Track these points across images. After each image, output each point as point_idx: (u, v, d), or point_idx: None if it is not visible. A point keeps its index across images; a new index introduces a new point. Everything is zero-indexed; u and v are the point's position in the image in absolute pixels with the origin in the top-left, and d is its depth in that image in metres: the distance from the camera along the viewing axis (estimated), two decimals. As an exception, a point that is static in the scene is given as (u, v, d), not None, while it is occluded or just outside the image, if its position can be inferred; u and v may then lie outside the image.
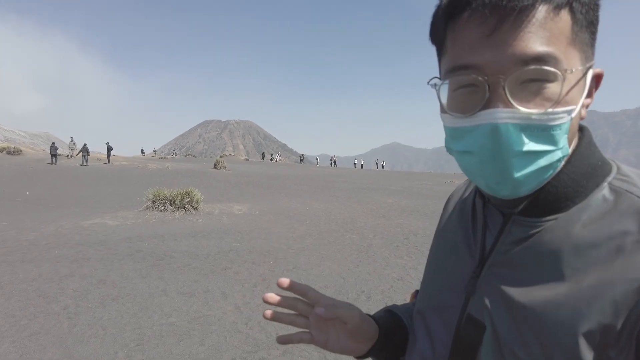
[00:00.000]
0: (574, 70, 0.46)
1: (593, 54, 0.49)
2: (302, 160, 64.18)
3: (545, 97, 0.45)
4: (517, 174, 0.47)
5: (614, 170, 0.52)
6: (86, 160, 26.80)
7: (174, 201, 9.89)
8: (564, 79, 0.45)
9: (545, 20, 0.44)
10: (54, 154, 25.27)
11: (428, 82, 0.52)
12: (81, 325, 3.64)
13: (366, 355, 0.69)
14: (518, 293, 0.50)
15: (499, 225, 0.56)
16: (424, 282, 0.70)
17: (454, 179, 28.21)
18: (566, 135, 0.47)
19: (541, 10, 0.44)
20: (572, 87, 0.46)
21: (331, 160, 57.31)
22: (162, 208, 9.80)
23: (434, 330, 0.62)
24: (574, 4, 0.45)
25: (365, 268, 5.62)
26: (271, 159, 60.35)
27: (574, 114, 0.47)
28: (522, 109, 0.45)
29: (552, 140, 0.47)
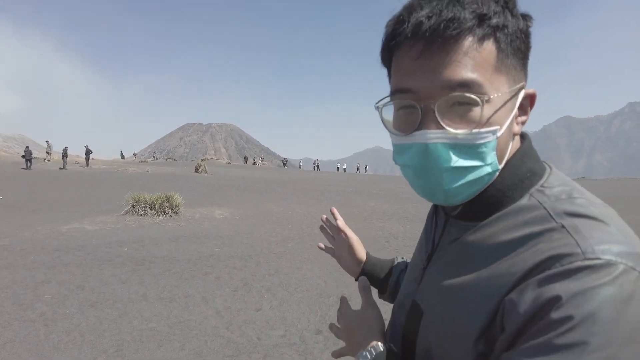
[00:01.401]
0: (497, 94, 0.51)
1: (525, 76, 0.56)
2: (284, 164, 64.05)
3: (469, 119, 0.51)
4: (447, 187, 0.54)
5: (541, 180, 0.56)
6: (65, 164, 26.19)
7: (154, 205, 9.77)
8: (483, 104, 0.50)
9: (470, 50, 0.50)
10: (28, 159, 24.36)
11: (375, 105, 0.59)
12: (58, 332, 3.59)
13: (360, 274, 0.96)
14: (444, 281, 0.58)
15: (443, 225, 0.66)
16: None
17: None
18: (494, 152, 0.53)
19: (466, 41, 0.50)
20: (498, 109, 0.52)
21: (314, 164, 57.39)
22: (142, 212, 9.67)
23: (397, 312, 0.72)
24: (499, 35, 0.51)
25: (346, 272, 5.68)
26: (254, 163, 60.05)
27: (499, 133, 0.52)
28: (450, 129, 0.51)
29: (479, 157, 0.53)
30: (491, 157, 0.53)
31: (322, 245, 1.10)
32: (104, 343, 3.40)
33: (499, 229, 0.54)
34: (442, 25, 0.49)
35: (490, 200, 0.57)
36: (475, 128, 0.51)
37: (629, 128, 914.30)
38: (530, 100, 0.57)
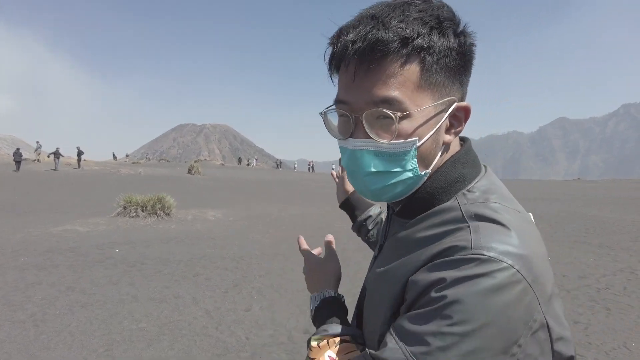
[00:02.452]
0: (418, 109, 0.58)
1: (459, 90, 0.63)
2: (278, 166, 63.96)
3: (389, 131, 0.59)
4: (372, 188, 0.63)
5: (469, 185, 0.63)
6: (57, 165, 25.98)
7: (146, 207, 9.77)
8: (397, 119, 0.57)
9: (394, 70, 0.57)
10: (18, 161, 24.17)
11: (320, 112, 0.68)
12: (48, 332, 3.61)
13: (344, 201, 1.23)
14: (378, 268, 0.67)
15: (389, 221, 0.76)
16: None
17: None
18: (414, 160, 0.61)
19: (390, 62, 0.57)
20: (419, 123, 0.59)
21: (309, 165, 57.40)
22: (134, 214, 9.67)
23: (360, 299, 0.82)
24: (423, 55, 0.57)
25: (336, 272, 5.74)
26: (248, 164, 59.94)
27: (419, 144, 0.60)
28: (373, 139, 0.59)
29: (399, 164, 0.60)
30: (411, 164, 0.61)
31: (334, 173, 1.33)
32: (93, 343, 3.43)
33: (423, 226, 0.62)
34: (367, 48, 0.56)
35: (421, 200, 0.65)
36: (394, 139, 0.59)
37: (624, 129, 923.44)
38: (465, 112, 0.63)
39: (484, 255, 0.51)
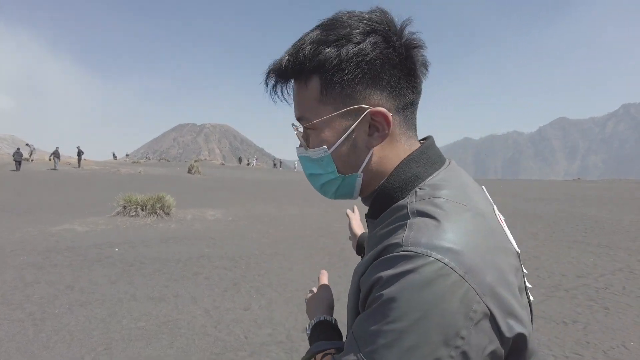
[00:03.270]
0: (321, 121, 0.65)
1: (375, 97, 0.65)
2: (275, 165, 63.98)
3: (307, 141, 0.70)
4: (315, 186, 0.74)
5: (422, 183, 0.65)
6: (56, 165, 26.03)
7: (146, 206, 9.77)
8: (308, 131, 0.68)
9: (302, 92, 0.67)
10: (18, 161, 24.29)
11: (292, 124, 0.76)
12: (47, 331, 3.62)
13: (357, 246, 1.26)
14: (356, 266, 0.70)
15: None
16: None
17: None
18: (332, 164, 0.68)
19: (299, 86, 0.67)
20: (327, 132, 0.66)
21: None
22: (134, 213, 9.67)
23: None
24: (321, 71, 0.64)
25: (336, 272, 5.75)
26: (248, 164, 59.94)
27: (331, 150, 0.67)
28: (300, 148, 0.72)
29: (321, 167, 0.70)
30: (330, 167, 0.69)
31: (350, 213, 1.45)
32: (92, 341, 3.44)
33: (380, 225, 0.65)
34: (282, 75, 0.68)
35: (379, 201, 0.68)
36: (310, 148, 0.69)
37: (623, 129, 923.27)
38: (383, 117, 0.64)
39: (411, 251, 0.53)
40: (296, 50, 0.65)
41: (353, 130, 0.65)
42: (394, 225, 0.60)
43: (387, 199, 0.67)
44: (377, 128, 0.65)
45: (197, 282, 5.09)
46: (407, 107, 0.68)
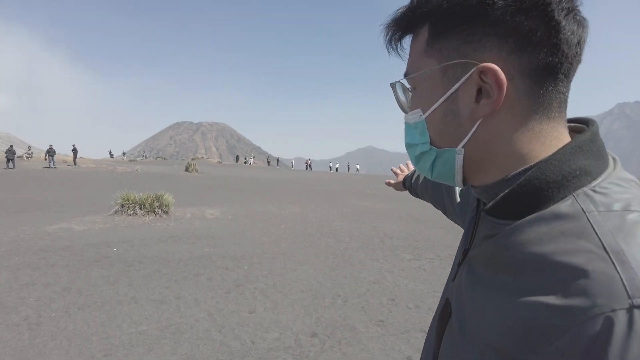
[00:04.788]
0: (420, 76, 0.54)
1: (479, 51, 0.49)
2: (269, 162, 63.88)
3: (409, 103, 0.59)
4: (411, 159, 0.61)
5: (594, 182, 0.47)
6: (52, 162, 25.79)
7: (144, 205, 9.58)
8: (408, 90, 0.58)
9: (411, 45, 0.57)
10: (10, 158, 24.03)
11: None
12: (43, 336, 3.44)
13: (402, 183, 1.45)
14: (472, 288, 0.53)
15: (477, 220, 0.60)
16: None
17: (426, 182, 28.61)
18: (425, 133, 0.55)
19: (414, 38, 0.56)
20: (425, 92, 0.54)
21: (306, 163, 57.34)
22: (132, 212, 9.48)
23: (436, 312, 0.68)
24: (432, 18, 0.52)
25: (341, 272, 5.60)
26: (245, 162, 59.74)
27: (426, 114, 0.54)
28: (406, 111, 0.60)
29: (417, 136, 0.57)
30: (425, 136, 0.56)
31: (391, 182, 1.55)
32: (91, 347, 3.26)
33: (532, 236, 0.45)
34: (396, 26, 0.57)
35: (524, 196, 0.48)
36: (408, 111, 0.59)
37: (618, 128, 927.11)
38: (494, 78, 0.48)
39: None
40: None
41: (455, 92, 0.51)
42: (567, 246, 0.42)
43: (534, 195, 0.48)
44: (488, 93, 0.49)
45: (199, 283, 4.92)
46: (546, 71, 0.48)
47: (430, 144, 0.55)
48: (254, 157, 68.68)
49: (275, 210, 11.45)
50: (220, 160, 70.80)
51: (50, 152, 26.20)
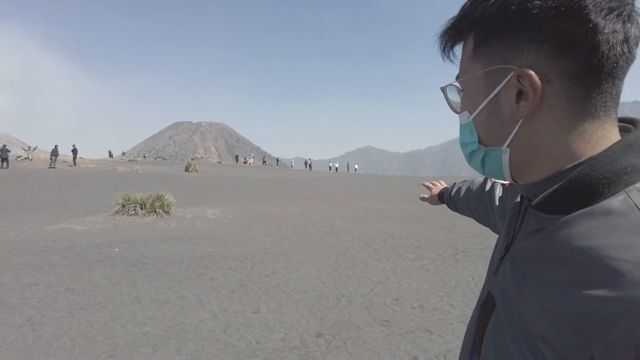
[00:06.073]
0: (468, 82, 0.58)
1: (518, 57, 0.52)
2: (264, 162, 64.03)
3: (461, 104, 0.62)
4: (465, 157, 0.63)
5: None
6: (54, 162, 25.80)
7: (145, 205, 9.56)
8: (459, 92, 0.61)
9: (462, 51, 0.60)
10: (4, 158, 23.99)
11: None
12: (47, 337, 3.42)
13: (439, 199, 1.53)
14: (518, 282, 0.53)
15: (522, 214, 0.61)
16: None
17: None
18: (474, 133, 0.59)
19: (464, 44, 0.59)
20: (471, 94, 0.59)
21: (306, 163, 57.39)
22: (133, 212, 9.46)
23: (475, 309, 0.68)
24: (477, 25, 0.55)
25: (344, 272, 5.58)
26: (245, 162, 59.72)
27: (473, 115, 0.58)
28: (458, 112, 0.63)
29: (468, 135, 0.61)
30: (474, 136, 0.60)
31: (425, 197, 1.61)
32: (96, 348, 3.24)
33: (582, 230, 0.46)
34: (447, 35, 0.61)
35: (574, 192, 0.49)
36: (459, 112, 0.62)
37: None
38: (529, 82, 0.50)
39: None
40: (461, 7, 0.58)
41: (497, 94, 0.55)
42: (622, 241, 0.42)
43: (584, 192, 0.48)
44: (525, 95, 0.52)
45: (202, 283, 4.90)
46: (586, 73, 0.49)
47: (479, 142, 0.59)
48: (253, 157, 68.66)
49: (276, 210, 11.43)
50: (220, 160, 70.74)
51: (55, 153, 26.23)
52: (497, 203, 1.05)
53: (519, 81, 0.51)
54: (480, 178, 1.25)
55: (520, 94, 0.52)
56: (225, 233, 8.04)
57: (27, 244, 6.63)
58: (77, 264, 5.54)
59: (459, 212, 1.39)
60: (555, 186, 0.51)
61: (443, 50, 0.62)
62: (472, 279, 5.31)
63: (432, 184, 1.62)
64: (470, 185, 1.29)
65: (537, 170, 0.54)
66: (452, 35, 0.60)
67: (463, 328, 3.71)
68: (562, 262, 0.47)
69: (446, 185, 1.54)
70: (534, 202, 0.55)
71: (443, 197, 1.48)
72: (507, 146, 0.55)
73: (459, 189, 1.36)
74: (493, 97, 0.55)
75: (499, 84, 0.54)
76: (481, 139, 0.59)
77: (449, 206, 1.45)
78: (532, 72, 0.50)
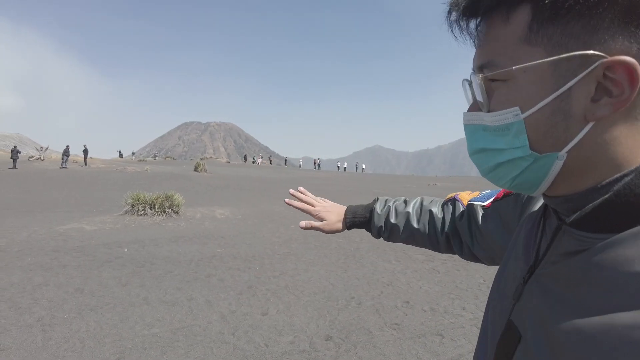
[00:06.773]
0: (521, 69, 0.44)
1: (605, 41, 0.40)
2: (270, 161, 64.22)
3: (491, 100, 0.48)
4: (483, 167, 0.51)
5: None
6: (65, 163, 26.15)
7: (154, 205, 9.60)
8: (495, 83, 0.46)
9: (493, 29, 0.46)
10: (15, 159, 24.37)
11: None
12: (56, 338, 3.42)
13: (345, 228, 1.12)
14: (556, 312, 0.44)
15: (553, 232, 0.50)
16: (492, 285, 0.67)
17: (436, 181, 28.47)
18: (523, 136, 0.45)
19: (496, 19, 0.46)
20: (526, 87, 0.44)
21: (315, 163, 57.48)
22: (142, 212, 9.50)
23: (490, 332, 0.60)
24: (535, 1, 0.42)
25: (353, 273, 5.53)
26: (253, 162, 59.95)
27: (527, 114, 0.44)
28: (486, 110, 0.48)
29: (503, 139, 0.47)
30: (520, 139, 0.46)
31: (303, 224, 1.13)
32: (104, 350, 3.23)
33: (626, 246, 0.39)
34: (472, 6, 0.47)
35: (623, 206, 0.42)
36: (491, 110, 0.48)
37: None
38: (626, 74, 0.40)
39: None
40: None
41: (570, 88, 0.42)
42: None
43: (637, 206, 0.41)
44: (609, 90, 0.41)
45: (211, 285, 4.89)
46: None
47: (530, 148, 0.46)
48: (262, 156, 68.88)
49: (284, 210, 11.40)
50: (229, 160, 71.08)
51: (67, 153, 26.59)
52: (481, 222, 0.86)
53: (605, 72, 0.41)
54: (424, 197, 1.04)
55: (596, 89, 0.42)
56: (234, 233, 8.03)
57: (39, 244, 6.68)
58: (87, 264, 5.56)
59: (392, 240, 1.07)
60: (599, 200, 0.43)
61: (461, 23, 0.49)
62: (484, 280, 5.22)
63: (301, 191, 1.20)
64: (422, 204, 1.02)
65: (583, 181, 0.45)
66: (484, 3, 0.46)
67: (475, 332, 3.64)
68: (614, 290, 0.39)
69: (330, 202, 1.18)
70: (571, 218, 0.46)
71: (361, 223, 1.09)
72: (566, 152, 0.44)
73: (395, 209, 1.04)
74: (564, 92, 0.43)
75: (575, 75, 0.42)
76: (532, 144, 0.45)
77: (377, 236, 1.09)
78: (635, 62, 0.39)
